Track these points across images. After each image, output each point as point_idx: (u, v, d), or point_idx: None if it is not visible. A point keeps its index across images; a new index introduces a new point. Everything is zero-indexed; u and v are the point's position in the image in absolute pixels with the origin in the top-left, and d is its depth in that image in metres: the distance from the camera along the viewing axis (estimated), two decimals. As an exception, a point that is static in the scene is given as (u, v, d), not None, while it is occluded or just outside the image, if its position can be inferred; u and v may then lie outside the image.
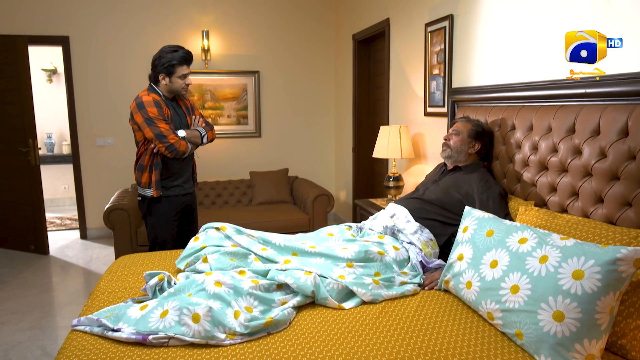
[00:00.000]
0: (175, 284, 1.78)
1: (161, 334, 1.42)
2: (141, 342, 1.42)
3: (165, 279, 1.77)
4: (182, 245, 2.74)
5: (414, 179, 3.37)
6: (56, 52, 5.98)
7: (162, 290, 1.75)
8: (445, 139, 2.30)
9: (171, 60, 2.47)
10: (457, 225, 2.12)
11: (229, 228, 2.14)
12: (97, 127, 4.67)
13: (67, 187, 6.44)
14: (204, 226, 2.22)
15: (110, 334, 1.46)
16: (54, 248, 4.45)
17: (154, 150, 2.49)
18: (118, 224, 3.62)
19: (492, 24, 2.43)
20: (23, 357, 2.51)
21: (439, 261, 2.03)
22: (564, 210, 1.86)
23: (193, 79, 4.81)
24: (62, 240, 4.74)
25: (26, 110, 4.07)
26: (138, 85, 4.69)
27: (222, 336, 1.44)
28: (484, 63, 2.51)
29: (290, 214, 4.16)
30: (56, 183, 6.30)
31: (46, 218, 4.34)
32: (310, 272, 1.75)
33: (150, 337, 1.41)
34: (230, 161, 5.01)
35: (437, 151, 3.04)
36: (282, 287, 1.74)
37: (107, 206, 3.67)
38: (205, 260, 1.90)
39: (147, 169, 2.53)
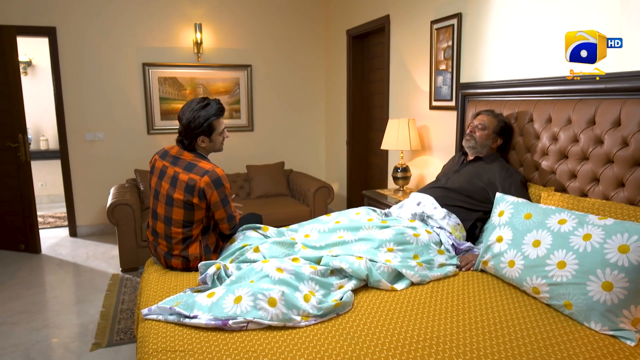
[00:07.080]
0: (231, 273, 1.83)
1: (240, 319, 1.48)
2: (220, 327, 1.48)
3: (222, 268, 1.82)
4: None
5: (419, 170, 3.52)
6: (31, 43, 5.74)
7: (219, 279, 1.80)
8: (471, 131, 2.44)
9: (209, 118, 2.07)
10: (481, 211, 2.28)
11: (270, 229, 2.21)
12: (87, 121, 4.53)
13: (44, 185, 6.19)
14: (241, 228, 2.27)
15: (187, 321, 1.51)
16: (44, 247, 4.31)
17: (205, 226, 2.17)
18: (123, 219, 3.56)
19: (503, 23, 2.59)
20: (46, 356, 2.47)
21: (469, 244, 2.17)
22: (584, 194, 2.05)
23: (185, 73, 4.77)
24: (50, 239, 4.58)
25: (15, 104, 3.90)
26: (128, 78, 4.61)
27: (298, 318, 1.52)
28: (495, 59, 2.67)
29: (292, 207, 4.23)
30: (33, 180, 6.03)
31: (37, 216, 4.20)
32: (361, 257, 1.86)
33: (230, 321, 1.47)
34: (224, 155, 4.97)
35: (444, 142, 3.21)
36: (334, 272, 1.83)
37: (110, 202, 3.60)
38: (256, 250, 1.95)
39: (196, 239, 2.13)
